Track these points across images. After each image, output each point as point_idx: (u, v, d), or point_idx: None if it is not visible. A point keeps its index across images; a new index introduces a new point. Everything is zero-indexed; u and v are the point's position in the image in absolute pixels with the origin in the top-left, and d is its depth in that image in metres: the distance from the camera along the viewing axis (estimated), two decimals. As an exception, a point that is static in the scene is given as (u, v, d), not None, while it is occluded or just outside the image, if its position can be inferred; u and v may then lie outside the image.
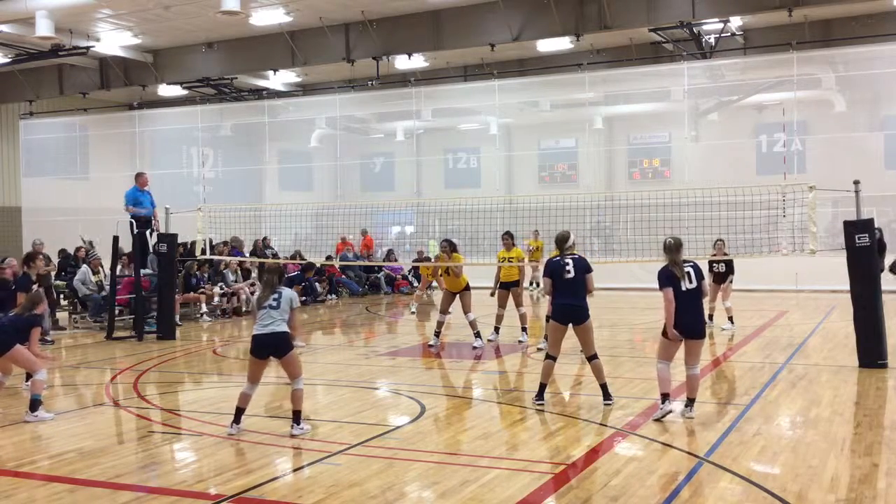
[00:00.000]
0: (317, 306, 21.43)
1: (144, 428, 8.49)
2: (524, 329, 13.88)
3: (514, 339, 13.92)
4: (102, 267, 17.53)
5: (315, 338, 15.62)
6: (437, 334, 13.55)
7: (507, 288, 13.74)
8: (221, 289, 19.01)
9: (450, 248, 13.36)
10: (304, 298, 20.83)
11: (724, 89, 25.11)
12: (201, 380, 11.73)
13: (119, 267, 16.43)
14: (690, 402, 8.27)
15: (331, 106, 28.20)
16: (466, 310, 13.24)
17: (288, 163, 30.80)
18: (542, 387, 9.01)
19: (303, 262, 22.07)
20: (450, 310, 13.61)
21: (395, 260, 25.72)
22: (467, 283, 13.40)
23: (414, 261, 24.21)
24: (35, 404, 8.72)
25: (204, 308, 18.31)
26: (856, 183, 11.52)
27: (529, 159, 28.76)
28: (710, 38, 23.26)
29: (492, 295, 13.94)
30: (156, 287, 15.89)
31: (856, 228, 11.16)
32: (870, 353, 11.01)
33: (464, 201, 18.28)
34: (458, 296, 13.37)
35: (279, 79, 28.93)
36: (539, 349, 12.52)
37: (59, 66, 27.82)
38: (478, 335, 13.26)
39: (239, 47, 25.71)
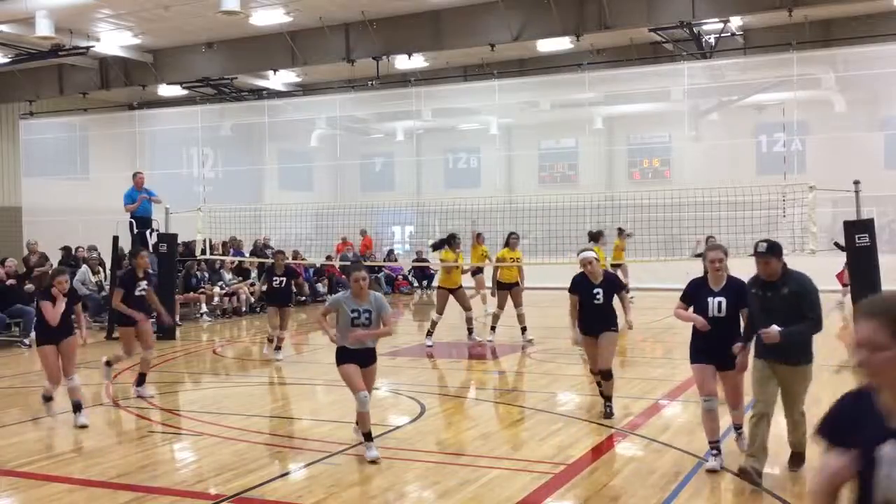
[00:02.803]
0: (317, 306, 21.43)
1: (144, 428, 8.49)
2: (524, 329, 13.90)
3: (513, 339, 13.93)
4: (103, 267, 17.53)
5: (315, 338, 15.60)
6: (430, 334, 13.62)
7: (507, 288, 13.79)
8: (221, 288, 19.02)
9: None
10: (304, 298, 20.87)
11: (724, 89, 25.08)
12: (201, 380, 11.73)
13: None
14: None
15: (331, 106, 28.15)
16: (465, 307, 13.44)
17: (288, 163, 30.77)
18: (608, 398, 8.55)
19: (301, 261, 22.06)
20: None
21: (395, 260, 25.70)
22: (461, 283, 13.64)
23: (414, 261, 24.18)
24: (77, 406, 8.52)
25: (204, 308, 18.32)
26: (856, 183, 11.54)
27: (529, 159, 28.74)
28: (710, 38, 23.23)
29: (492, 294, 14.01)
30: (155, 287, 15.86)
31: (856, 228, 11.17)
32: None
33: (464, 201, 18.27)
34: (453, 294, 13.53)
35: (279, 79, 28.90)
36: (529, 340, 13.19)
37: (59, 66, 27.79)
38: (471, 331, 13.52)
39: (239, 47, 25.68)
